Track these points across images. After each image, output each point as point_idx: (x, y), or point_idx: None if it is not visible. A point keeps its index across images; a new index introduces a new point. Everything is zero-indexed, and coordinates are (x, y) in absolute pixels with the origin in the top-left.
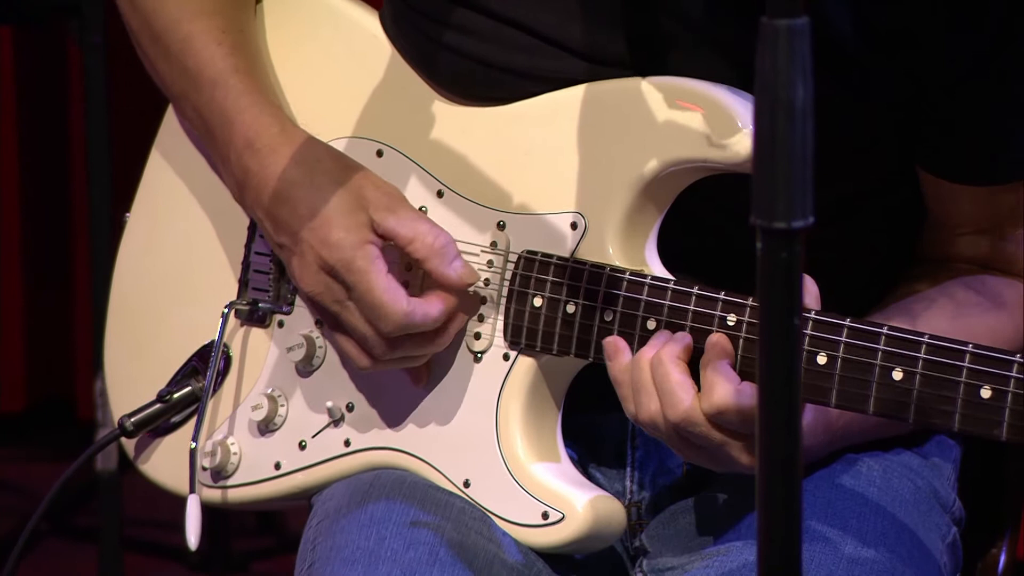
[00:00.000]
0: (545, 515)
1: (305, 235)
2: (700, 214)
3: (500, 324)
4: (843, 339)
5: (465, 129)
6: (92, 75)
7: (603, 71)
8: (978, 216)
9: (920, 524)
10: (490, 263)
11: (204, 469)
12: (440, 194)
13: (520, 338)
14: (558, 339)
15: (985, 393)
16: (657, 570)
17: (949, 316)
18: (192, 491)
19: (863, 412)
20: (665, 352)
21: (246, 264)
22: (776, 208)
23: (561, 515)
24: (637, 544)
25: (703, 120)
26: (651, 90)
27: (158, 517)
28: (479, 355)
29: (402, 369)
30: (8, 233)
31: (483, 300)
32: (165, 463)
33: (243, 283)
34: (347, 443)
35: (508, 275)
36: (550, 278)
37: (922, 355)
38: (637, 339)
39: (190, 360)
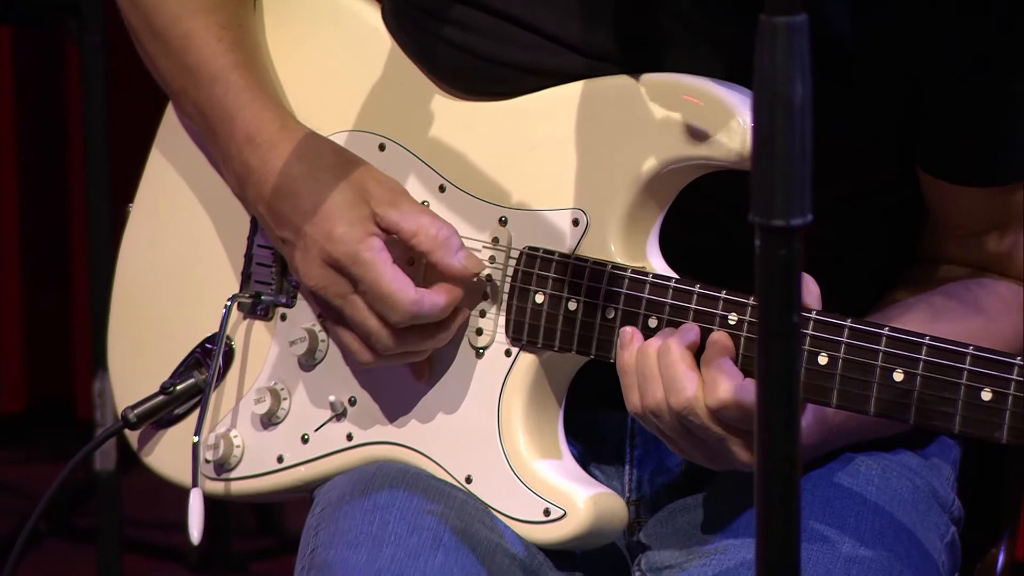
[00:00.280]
0: (547, 511)
1: (308, 230)
2: (702, 211)
3: (502, 320)
4: (844, 340)
5: (467, 124)
6: (91, 75)
7: (603, 68)
8: (977, 217)
9: (919, 524)
10: (492, 259)
11: (207, 461)
12: (442, 189)
13: (522, 334)
14: (560, 336)
15: (986, 395)
16: (655, 568)
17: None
18: (195, 485)
19: (864, 413)
20: (672, 341)
21: (248, 257)
22: (775, 205)
23: (563, 511)
24: (635, 542)
25: (703, 117)
26: (651, 87)
27: (157, 517)
28: (481, 351)
29: (404, 364)
30: (7, 233)
31: (485, 295)
32: (169, 455)
33: (246, 276)
34: (349, 437)
35: (510, 271)
36: (552, 275)
37: (923, 356)
38: None
39: (193, 352)
